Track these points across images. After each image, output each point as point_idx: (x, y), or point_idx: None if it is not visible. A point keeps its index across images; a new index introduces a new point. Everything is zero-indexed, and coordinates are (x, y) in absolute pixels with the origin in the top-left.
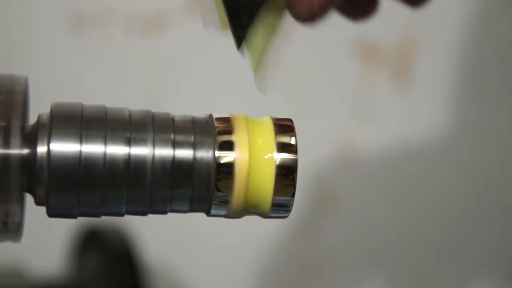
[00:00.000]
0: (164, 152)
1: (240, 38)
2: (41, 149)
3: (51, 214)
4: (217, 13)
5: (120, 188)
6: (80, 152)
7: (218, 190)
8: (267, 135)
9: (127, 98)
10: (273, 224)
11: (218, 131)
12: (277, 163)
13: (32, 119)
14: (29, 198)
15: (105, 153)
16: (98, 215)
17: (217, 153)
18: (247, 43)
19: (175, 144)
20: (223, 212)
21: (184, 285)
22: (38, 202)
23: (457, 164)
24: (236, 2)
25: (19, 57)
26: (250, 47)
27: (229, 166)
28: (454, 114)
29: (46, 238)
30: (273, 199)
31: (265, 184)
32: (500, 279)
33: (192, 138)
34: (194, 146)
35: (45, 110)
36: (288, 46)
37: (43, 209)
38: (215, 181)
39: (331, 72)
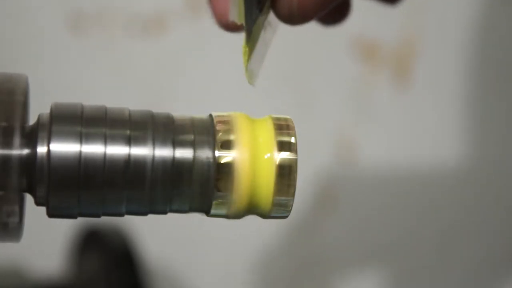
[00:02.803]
0: (164, 152)
1: (248, 33)
2: (41, 149)
3: (51, 214)
4: (237, 9)
5: (120, 188)
6: (80, 152)
7: (218, 190)
8: (267, 135)
9: (127, 98)
10: (273, 224)
11: (218, 131)
12: (277, 162)
13: (32, 119)
14: (29, 198)
15: (105, 153)
16: (98, 215)
17: (217, 153)
18: (248, 38)
19: (175, 144)
20: (223, 212)
21: (184, 285)
22: (38, 202)
23: (457, 162)
24: None
25: (19, 57)
26: (248, 42)
27: (229, 166)
28: (454, 114)
29: (46, 238)
30: (273, 199)
31: (265, 184)
32: (501, 279)
33: (192, 137)
34: (194, 145)
35: (45, 110)
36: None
37: (43, 209)
38: (215, 181)
39: (331, 72)
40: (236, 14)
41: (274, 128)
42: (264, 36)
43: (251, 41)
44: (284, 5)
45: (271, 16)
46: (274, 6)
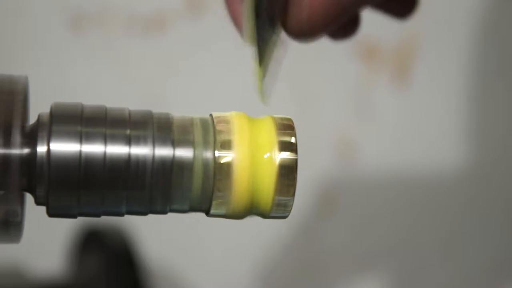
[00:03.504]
0: (164, 152)
1: (261, 53)
2: (41, 149)
3: (51, 214)
4: (248, 28)
5: (120, 188)
6: (80, 152)
7: (218, 190)
8: (267, 134)
9: (127, 98)
10: (273, 225)
11: (218, 131)
12: (277, 162)
13: (32, 119)
14: (29, 198)
15: (105, 153)
16: (98, 215)
17: (217, 153)
18: (261, 58)
19: (175, 144)
20: (223, 212)
21: (184, 285)
22: (38, 202)
23: (457, 163)
24: (261, 16)
25: (19, 57)
26: (261, 61)
27: (229, 165)
28: (454, 114)
29: (46, 238)
30: (273, 199)
31: (265, 184)
32: (502, 279)
33: (192, 137)
34: (194, 145)
35: (45, 110)
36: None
37: (43, 209)
38: (215, 181)
39: (331, 72)
40: (249, 36)
41: (274, 128)
42: (277, 55)
43: (264, 63)
44: (294, 22)
45: (282, 33)
46: (284, 24)
